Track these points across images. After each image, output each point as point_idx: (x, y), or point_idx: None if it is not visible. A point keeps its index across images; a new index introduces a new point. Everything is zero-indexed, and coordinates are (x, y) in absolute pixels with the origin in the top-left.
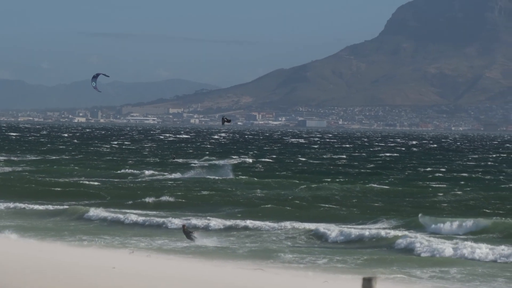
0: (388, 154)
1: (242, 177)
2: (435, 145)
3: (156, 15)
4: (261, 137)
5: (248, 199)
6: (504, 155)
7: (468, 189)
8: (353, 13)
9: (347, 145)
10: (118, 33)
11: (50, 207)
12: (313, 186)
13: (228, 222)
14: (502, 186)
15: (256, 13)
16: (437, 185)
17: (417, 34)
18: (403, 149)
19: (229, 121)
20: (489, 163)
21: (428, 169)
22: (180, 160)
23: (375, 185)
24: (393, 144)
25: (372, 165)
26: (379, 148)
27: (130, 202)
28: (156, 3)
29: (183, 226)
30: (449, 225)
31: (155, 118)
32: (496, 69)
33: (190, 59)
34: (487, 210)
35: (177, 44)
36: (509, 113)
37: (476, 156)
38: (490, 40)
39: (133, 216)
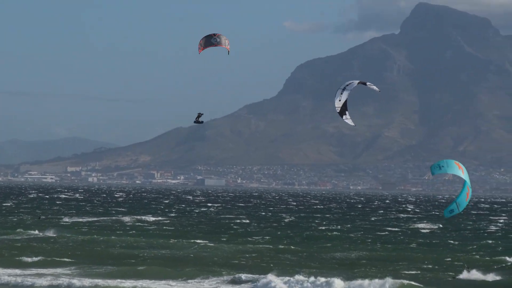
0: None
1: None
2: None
3: (53, 73)
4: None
5: None
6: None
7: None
8: (252, 72)
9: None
10: (16, 91)
11: None
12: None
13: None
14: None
15: (154, 71)
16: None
17: (316, 93)
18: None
19: (199, 121)
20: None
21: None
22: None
23: (267, 246)
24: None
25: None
26: (284, 207)
27: None
28: (52, 61)
29: None
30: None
31: (53, 177)
32: (394, 128)
33: (89, 117)
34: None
35: (76, 103)
36: (407, 172)
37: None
38: (388, 99)
39: None
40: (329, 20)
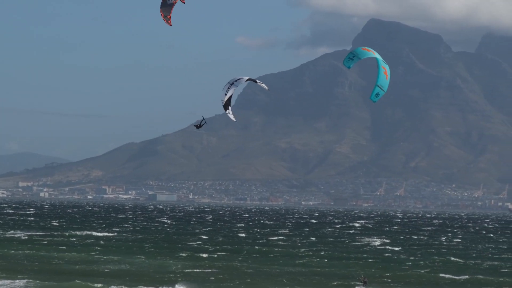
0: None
1: None
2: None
3: (4, 88)
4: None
5: None
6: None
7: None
8: (204, 87)
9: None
10: None
11: None
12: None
13: None
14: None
15: (105, 87)
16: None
17: (267, 109)
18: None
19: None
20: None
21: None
22: None
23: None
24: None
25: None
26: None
27: None
28: (4, 76)
29: None
30: None
31: (4, 192)
32: (346, 144)
33: (40, 132)
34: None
35: (27, 118)
36: (359, 188)
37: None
38: (340, 115)
39: None
40: (281, 36)
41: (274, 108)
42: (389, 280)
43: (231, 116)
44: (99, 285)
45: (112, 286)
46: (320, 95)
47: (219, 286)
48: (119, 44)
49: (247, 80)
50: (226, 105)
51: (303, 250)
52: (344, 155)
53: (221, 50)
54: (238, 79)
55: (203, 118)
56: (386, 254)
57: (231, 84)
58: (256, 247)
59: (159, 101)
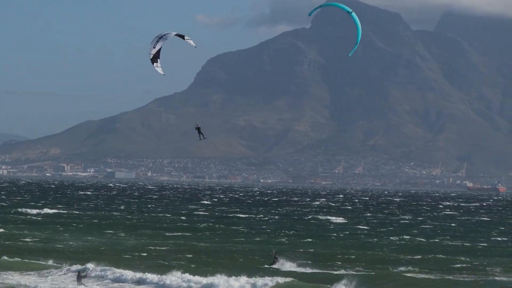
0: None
1: None
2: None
3: None
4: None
5: None
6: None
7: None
8: (163, 65)
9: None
10: None
11: None
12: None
13: None
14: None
15: (64, 65)
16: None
17: (226, 86)
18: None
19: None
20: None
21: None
22: None
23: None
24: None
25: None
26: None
27: None
28: None
29: (78, 272)
30: None
31: None
32: (305, 122)
33: None
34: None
35: None
36: (317, 166)
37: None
38: (299, 93)
39: None
40: (241, 14)
41: (233, 86)
42: (353, 257)
43: (159, 70)
44: (27, 260)
45: (40, 262)
46: (279, 74)
47: (172, 263)
48: (79, 23)
49: (175, 35)
50: (154, 58)
51: (264, 227)
52: (303, 133)
53: (180, 28)
54: (166, 34)
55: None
56: (350, 233)
57: (160, 38)
58: (217, 225)
59: (118, 80)
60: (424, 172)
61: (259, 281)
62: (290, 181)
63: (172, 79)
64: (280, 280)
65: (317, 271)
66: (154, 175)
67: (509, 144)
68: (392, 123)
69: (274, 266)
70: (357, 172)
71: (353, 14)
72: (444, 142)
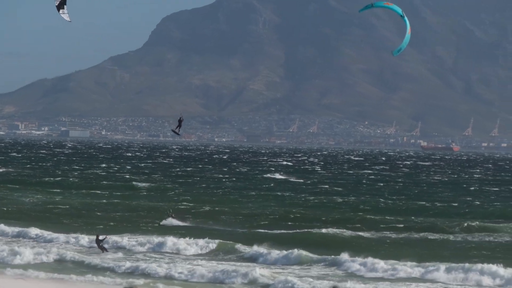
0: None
1: None
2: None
3: None
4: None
5: None
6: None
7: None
8: (117, 23)
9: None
10: None
11: None
12: None
13: None
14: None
15: (17, 23)
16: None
17: (181, 45)
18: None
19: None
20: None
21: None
22: None
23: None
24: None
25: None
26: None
27: None
28: None
29: (97, 236)
30: None
31: None
32: (260, 81)
33: None
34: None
35: None
36: (272, 125)
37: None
38: (254, 52)
39: None
40: None
41: (188, 45)
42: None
43: (65, 16)
44: None
45: None
46: (234, 33)
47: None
48: None
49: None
50: (60, 4)
51: (213, 186)
52: (258, 92)
53: None
54: None
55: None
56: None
57: None
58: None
59: (72, 38)
60: (379, 131)
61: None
62: (245, 140)
63: (126, 37)
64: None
65: (203, 226)
66: (109, 133)
67: (463, 103)
68: (347, 82)
69: (165, 222)
70: (311, 131)
71: (406, 18)
72: (398, 101)
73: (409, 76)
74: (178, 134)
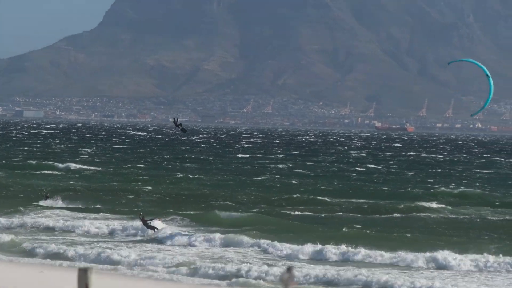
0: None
1: None
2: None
3: None
4: None
5: None
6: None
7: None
8: (71, 3)
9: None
10: None
11: None
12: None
13: None
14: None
15: None
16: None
17: (136, 25)
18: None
19: (179, 125)
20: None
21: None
22: None
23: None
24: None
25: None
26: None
27: None
28: None
29: (140, 214)
30: None
31: None
32: (214, 61)
33: None
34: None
35: None
36: (226, 105)
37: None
38: (209, 33)
39: None
40: None
41: (143, 25)
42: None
43: None
44: None
45: None
46: (188, 12)
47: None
48: None
49: None
50: None
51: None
52: (212, 72)
53: None
54: None
55: (179, 123)
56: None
57: None
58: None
59: (27, 18)
60: (333, 112)
61: None
62: (199, 120)
63: (81, 17)
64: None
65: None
66: (63, 113)
67: (417, 84)
68: (302, 62)
69: (42, 203)
70: (266, 111)
71: (490, 79)
72: (353, 82)
73: (364, 57)
74: (184, 130)
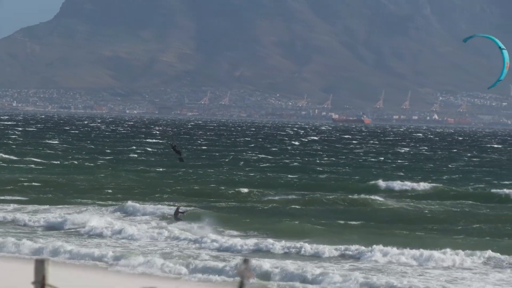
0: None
1: None
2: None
3: None
4: None
5: None
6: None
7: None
8: None
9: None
10: None
11: None
12: None
13: None
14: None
15: None
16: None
17: (92, 17)
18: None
19: (178, 152)
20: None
21: None
22: None
23: None
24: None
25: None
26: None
27: None
28: None
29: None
30: None
31: None
32: (171, 53)
33: None
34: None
35: None
36: (183, 97)
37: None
38: (165, 24)
39: None
40: None
41: (99, 16)
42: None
43: None
44: None
45: None
46: (145, 4)
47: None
48: None
49: None
50: None
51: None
52: (169, 64)
53: None
54: None
55: (178, 149)
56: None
57: None
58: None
59: None
60: (290, 104)
61: None
62: (156, 112)
63: (37, 8)
64: None
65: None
66: (20, 105)
67: (374, 76)
68: (258, 54)
69: None
70: (223, 103)
71: (504, 51)
72: (310, 73)
73: (321, 48)
74: (182, 160)
